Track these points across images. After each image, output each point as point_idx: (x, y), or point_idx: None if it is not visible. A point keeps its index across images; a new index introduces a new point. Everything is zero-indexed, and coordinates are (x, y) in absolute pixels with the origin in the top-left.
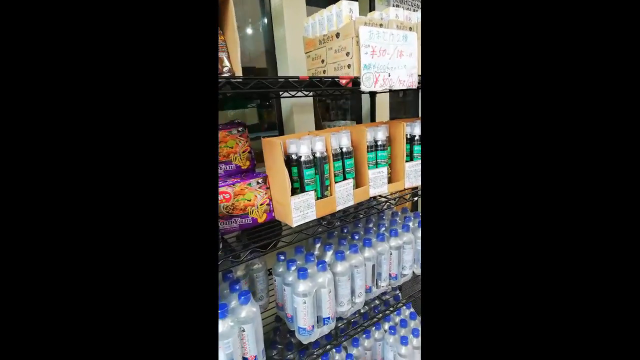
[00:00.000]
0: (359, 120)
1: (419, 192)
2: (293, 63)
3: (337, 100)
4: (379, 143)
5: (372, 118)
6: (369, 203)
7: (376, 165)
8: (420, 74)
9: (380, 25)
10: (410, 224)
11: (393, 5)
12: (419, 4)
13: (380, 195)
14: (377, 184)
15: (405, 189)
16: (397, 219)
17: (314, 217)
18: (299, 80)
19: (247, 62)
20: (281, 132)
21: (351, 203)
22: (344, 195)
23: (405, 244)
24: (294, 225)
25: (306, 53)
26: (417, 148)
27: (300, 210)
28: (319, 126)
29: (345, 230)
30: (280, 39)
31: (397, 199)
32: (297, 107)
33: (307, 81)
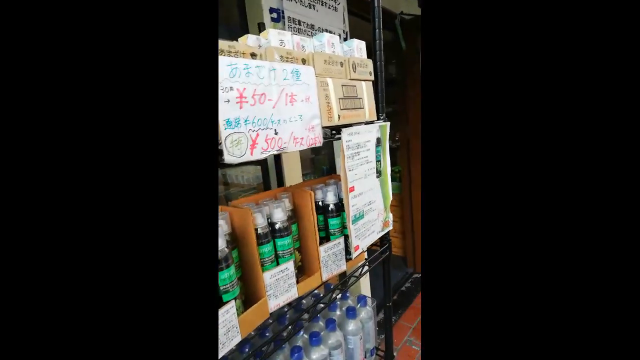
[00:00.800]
0: (265, 166)
1: (340, 286)
2: None
3: None
4: (278, 226)
5: (278, 172)
6: (269, 328)
7: (276, 261)
8: (325, 125)
9: (253, 55)
10: (337, 312)
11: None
12: (317, 32)
13: (290, 304)
14: (280, 289)
15: (322, 283)
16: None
17: None
18: None
19: None
20: None
21: (237, 340)
22: (220, 336)
23: (333, 350)
24: None
25: None
26: (334, 221)
27: None
28: None
29: (247, 350)
30: None
31: (311, 309)
32: None
33: None
